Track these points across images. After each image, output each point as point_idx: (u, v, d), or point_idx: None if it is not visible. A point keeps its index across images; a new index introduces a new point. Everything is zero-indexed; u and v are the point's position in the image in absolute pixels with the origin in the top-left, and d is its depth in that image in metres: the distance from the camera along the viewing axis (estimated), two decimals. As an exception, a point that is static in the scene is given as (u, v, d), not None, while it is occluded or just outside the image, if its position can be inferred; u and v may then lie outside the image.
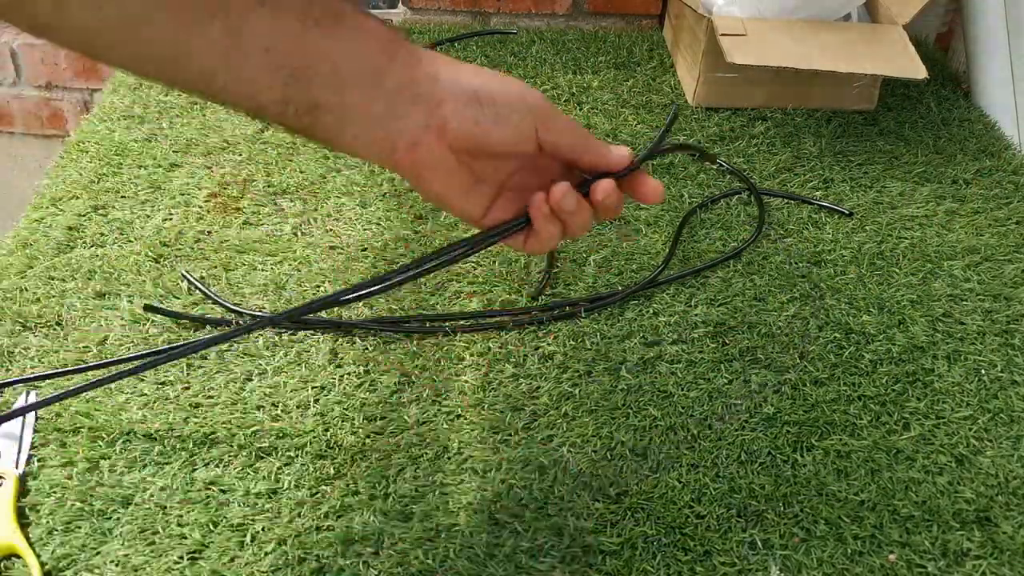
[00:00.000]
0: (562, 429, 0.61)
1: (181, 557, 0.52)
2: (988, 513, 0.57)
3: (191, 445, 0.59)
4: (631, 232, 0.80)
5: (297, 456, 0.59)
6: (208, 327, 0.68)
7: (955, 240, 0.81)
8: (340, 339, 0.68)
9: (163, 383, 0.63)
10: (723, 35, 0.90)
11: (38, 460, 0.58)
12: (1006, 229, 0.82)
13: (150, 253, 0.75)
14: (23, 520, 0.54)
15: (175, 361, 0.65)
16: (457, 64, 0.43)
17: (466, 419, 0.62)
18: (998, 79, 1.02)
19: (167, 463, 0.58)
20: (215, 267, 0.74)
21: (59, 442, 0.59)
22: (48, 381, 0.63)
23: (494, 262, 0.76)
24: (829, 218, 0.84)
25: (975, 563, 0.54)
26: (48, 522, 0.54)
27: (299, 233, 0.79)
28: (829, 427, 0.62)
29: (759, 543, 0.54)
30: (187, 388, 0.63)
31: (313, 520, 0.55)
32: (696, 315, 0.71)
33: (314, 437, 0.60)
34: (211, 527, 0.54)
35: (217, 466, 0.58)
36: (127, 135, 0.91)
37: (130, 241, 0.77)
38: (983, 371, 0.67)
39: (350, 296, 0.47)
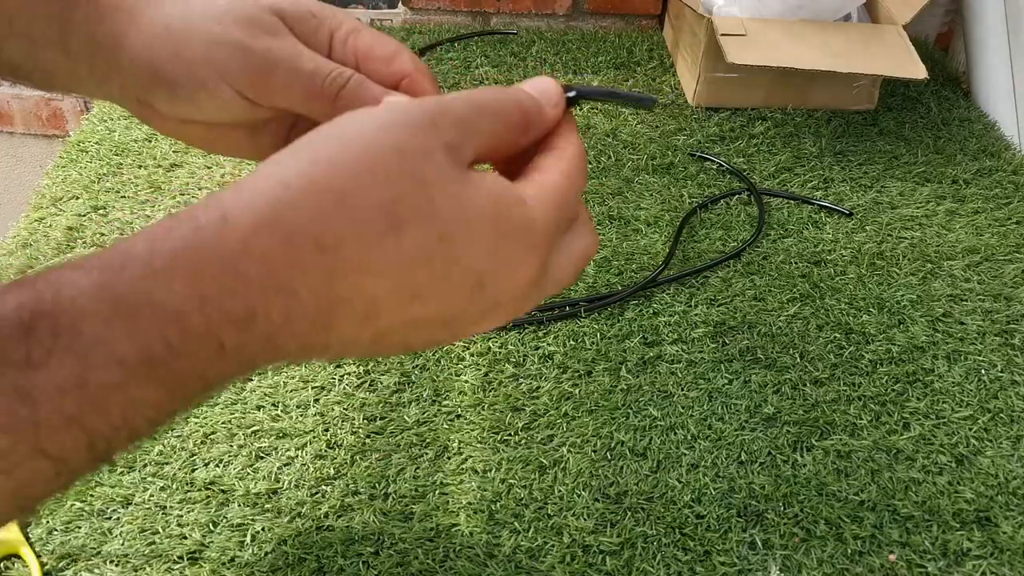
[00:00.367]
0: (562, 429, 0.61)
1: (181, 557, 0.52)
2: (988, 513, 0.57)
3: (191, 445, 0.59)
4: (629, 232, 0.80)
5: (297, 456, 0.59)
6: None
7: (955, 240, 0.81)
8: (340, 339, 0.68)
9: (163, 383, 0.63)
10: (723, 35, 0.90)
11: (38, 460, 0.58)
12: (1006, 229, 0.82)
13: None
14: (23, 520, 0.54)
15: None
16: (139, 20, 0.35)
17: (466, 419, 0.62)
18: (998, 79, 1.02)
19: (167, 463, 0.58)
20: (215, 267, 0.74)
21: (59, 442, 0.59)
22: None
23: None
24: (829, 218, 0.83)
25: (975, 563, 0.54)
26: (48, 522, 0.54)
27: (299, 233, 0.79)
28: (829, 427, 0.62)
29: (759, 543, 0.54)
30: (187, 388, 0.63)
31: (313, 520, 0.55)
32: (696, 315, 0.71)
33: (314, 437, 0.60)
34: (211, 527, 0.54)
35: (217, 466, 0.58)
36: (127, 135, 0.91)
37: (130, 241, 0.77)
38: (983, 371, 0.67)
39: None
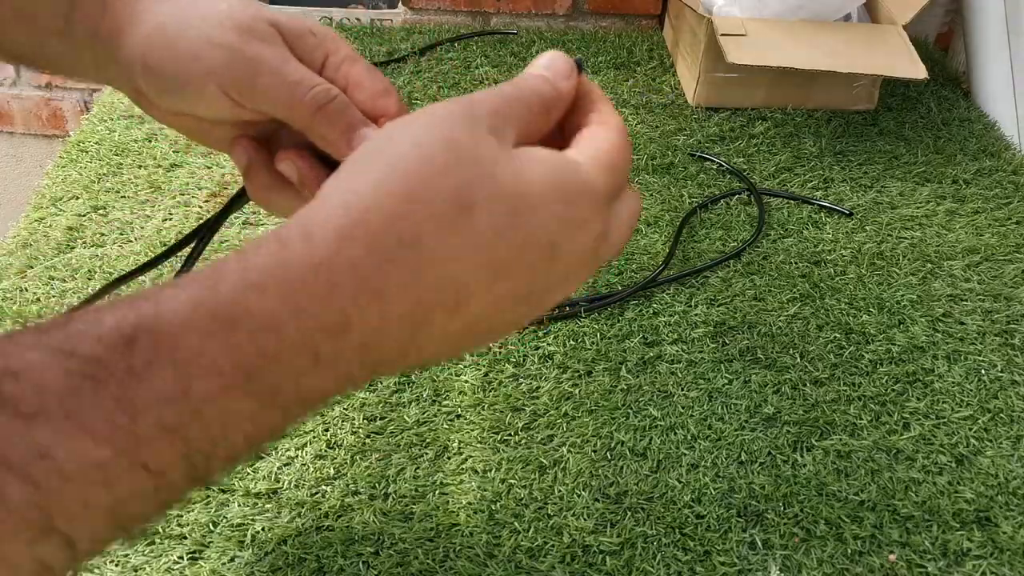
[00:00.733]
0: (562, 429, 0.61)
1: (181, 557, 0.52)
2: (988, 513, 0.57)
3: (191, 445, 0.59)
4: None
5: (297, 456, 0.59)
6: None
7: (955, 240, 0.81)
8: (340, 339, 0.68)
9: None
10: (723, 35, 0.90)
11: (38, 460, 0.58)
12: (1006, 229, 0.82)
13: (150, 253, 0.75)
14: (23, 520, 0.54)
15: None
16: (137, 15, 0.36)
17: (466, 419, 0.62)
18: (998, 79, 1.02)
19: (167, 463, 0.58)
20: (215, 267, 0.74)
21: (59, 442, 0.59)
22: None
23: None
24: (829, 218, 0.83)
25: (975, 563, 0.54)
26: (48, 522, 0.54)
27: (299, 233, 0.79)
28: (829, 427, 0.62)
29: (759, 543, 0.54)
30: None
31: (313, 520, 0.55)
32: (696, 315, 0.71)
33: (314, 437, 0.60)
34: (211, 527, 0.54)
35: (217, 466, 0.58)
36: (127, 135, 0.91)
37: (130, 241, 0.77)
38: (983, 371, 0.67)
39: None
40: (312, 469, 0.58)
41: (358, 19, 1.18)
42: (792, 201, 0.86)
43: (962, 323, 0.71)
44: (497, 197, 0.28)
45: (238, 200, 0.43)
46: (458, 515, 0.55)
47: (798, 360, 0.67)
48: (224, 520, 0.54)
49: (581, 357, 0.67)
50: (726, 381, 0.65)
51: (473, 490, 0.57)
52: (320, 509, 0.55)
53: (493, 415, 0.62)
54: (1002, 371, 0.67)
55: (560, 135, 0.34)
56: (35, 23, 0.36)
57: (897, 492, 0.58)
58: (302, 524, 0.54)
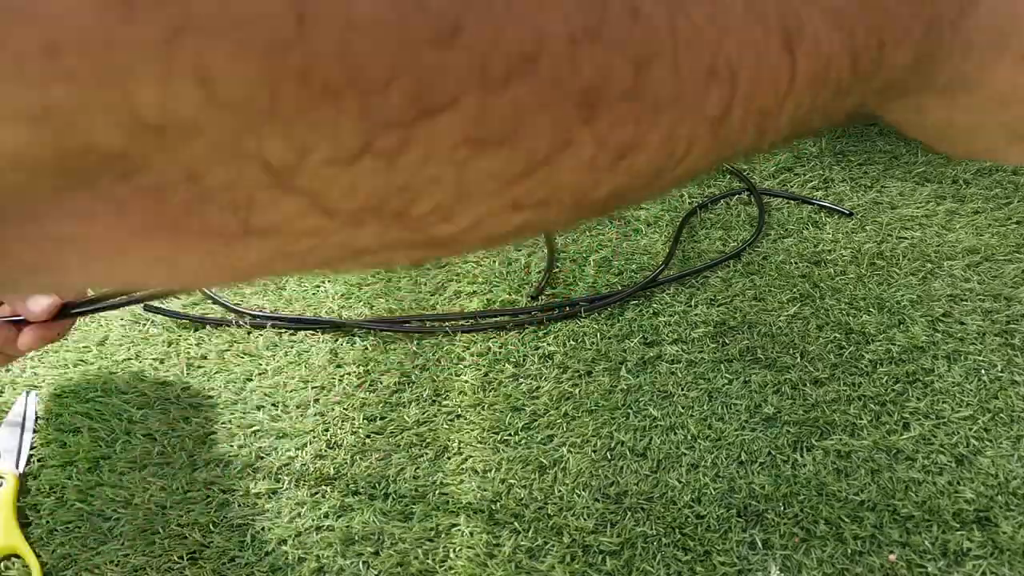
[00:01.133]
0: (562, 429, 0.61)
1: (181, 557, 0.52)
2: (988, 513, 0.57)
3: (191, 445, 0.59)
4: (629, 231, 0.80)
5: (297, 456, 0.59)
6: (207, 327, 0.68)
7: (955, 240, 0.81)
8: (340, 339, 0.68)
9: (163, 383, 0.63)
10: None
11: (38, 460, 0.58)
12: (1006, 229, 0.82)
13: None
14: (23, 520, 0.54)
15: (175, 360, 0.65)
16: None
17: (466, 419, 0.62)
18: (998, 79, 1.02)
19: (167, 463, 0.58)
20: (215, 267, 0.74)
21: (59, 442, 0.59)
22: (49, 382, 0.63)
23: (494, 262, 0.76)
24: (829, 218, 0.83)
25: (975, 563, 0.54)
26: (48, 522, 0.54)
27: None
28: (829, 427, 0.62)
29: (759, 543, 0.54)
30: (187, 388, 0.63)
31: (313, 520, 0.55)
32: (696, 315, 0.71)
33: (314, 437, 0.60)
34: (211, 527, 0.54)
35: (217, 466, 0.58)
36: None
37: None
38: (983, 371, 0.67)
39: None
40: (312, 469, 0.58)
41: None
42: (792, 201, 0.86)
43: (962, 323, 0.71)
44: None
45: None
46: (458, 515, 0.55)
47: (798, 360, 0.67)
48: (224, 520, 0.54)
49: (581, 357, 0.67)
50: (726, 381, 0.65)
51: (473, 490, 0.57)
52: (320, 509, 0.55)
53: (493, 415, 0.62)
54: (1002, 371, 0.67)
55: None
56: None
57: (897, 492, 0.58)
58: (302, 524, 0.54)
